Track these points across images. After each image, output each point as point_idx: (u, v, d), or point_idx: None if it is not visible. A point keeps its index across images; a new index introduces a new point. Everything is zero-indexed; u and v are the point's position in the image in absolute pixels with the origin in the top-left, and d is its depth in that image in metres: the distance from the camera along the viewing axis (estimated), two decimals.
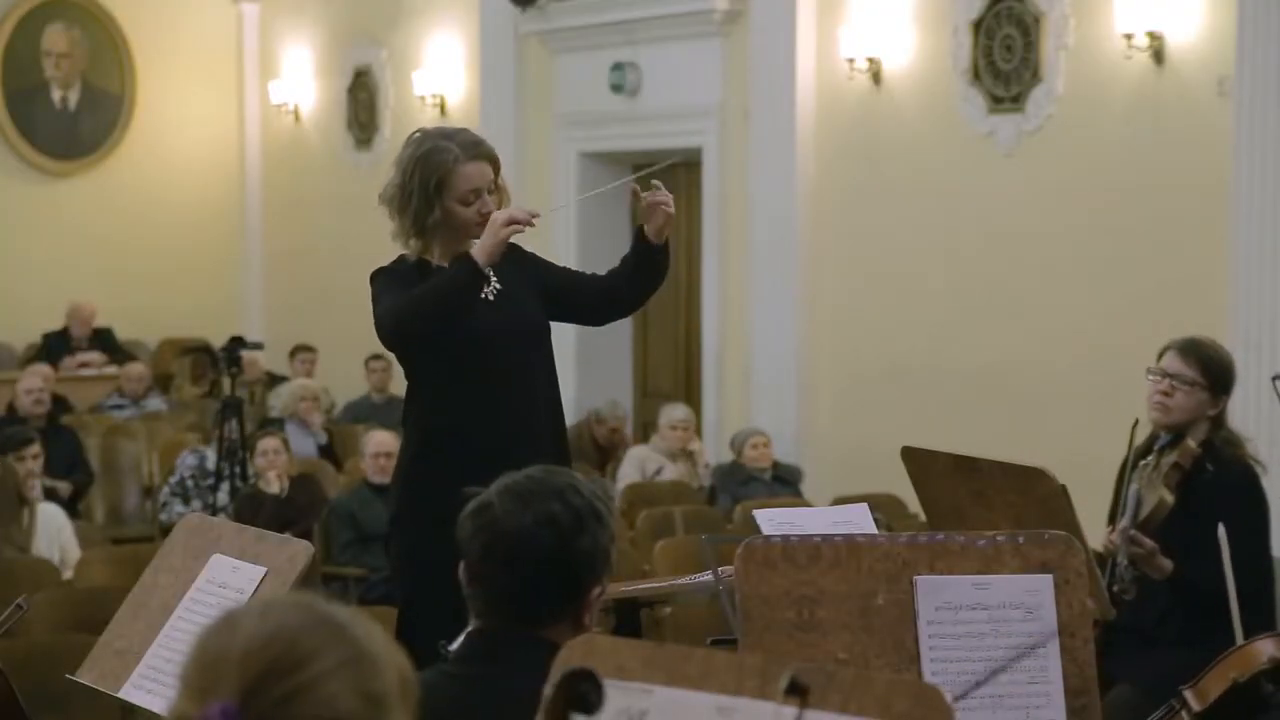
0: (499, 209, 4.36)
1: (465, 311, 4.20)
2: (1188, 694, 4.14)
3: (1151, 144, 8.64)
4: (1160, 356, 4.85)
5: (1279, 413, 7.79)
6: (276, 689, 1.64)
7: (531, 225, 4.23)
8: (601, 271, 4.63)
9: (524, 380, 4.35)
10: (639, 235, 4.41)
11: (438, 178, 4.26)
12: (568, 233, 11.50)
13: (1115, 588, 4.55)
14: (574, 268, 4.79)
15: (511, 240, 4.48)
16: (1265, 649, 4.14)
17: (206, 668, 1.67)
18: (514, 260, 4.46)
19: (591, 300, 4.57)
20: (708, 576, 3.96)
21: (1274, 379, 4.84)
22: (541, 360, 4.42)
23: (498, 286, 4.37)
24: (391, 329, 4.25)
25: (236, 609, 1.74)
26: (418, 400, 4.44)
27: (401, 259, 4.41)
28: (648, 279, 4.50)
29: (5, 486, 6.97)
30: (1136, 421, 4.78)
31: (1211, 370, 4.79)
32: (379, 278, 4.39)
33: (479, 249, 4.18)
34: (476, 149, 4.32)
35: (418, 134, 4.41)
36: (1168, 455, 4.71)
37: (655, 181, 4.35)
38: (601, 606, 2.74)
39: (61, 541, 7.26)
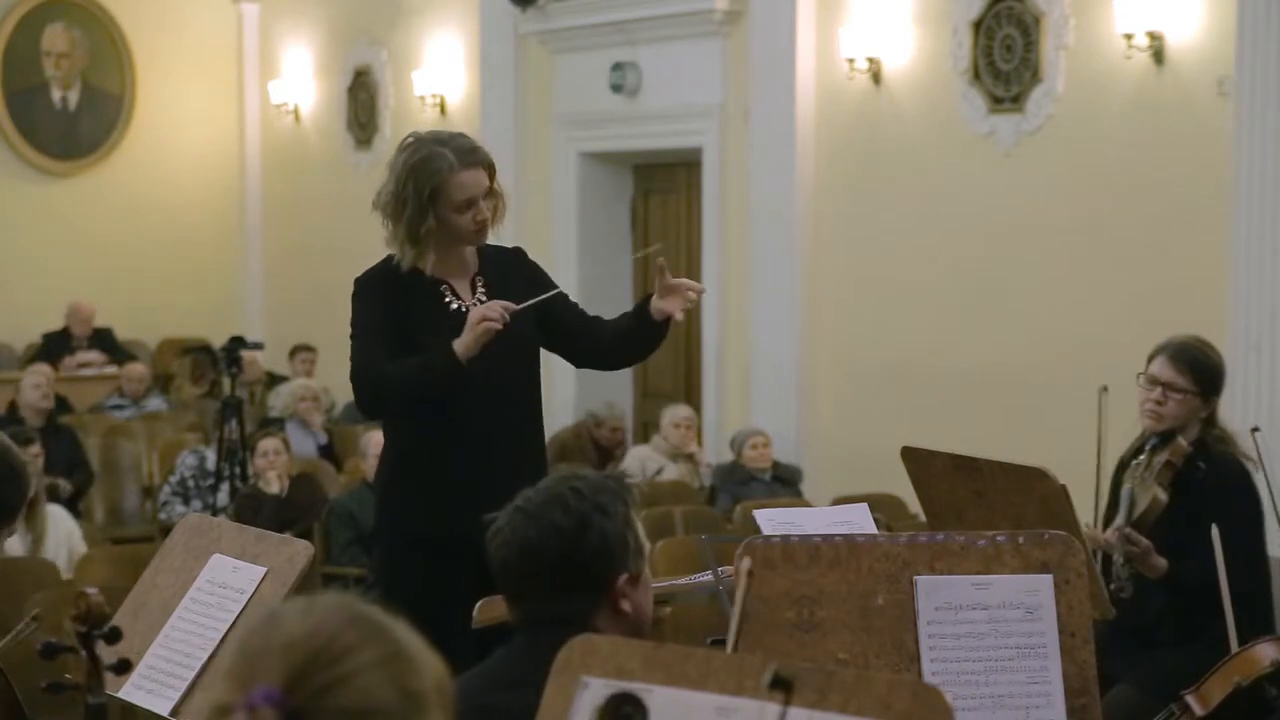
0: (495, 215, 4.31)
1: (436, 398, 4.21)
2: (1190, 699, 4.14)
3: (1151, 144, 8.64)
4: (1150, 361, 4.84)
5: (1279, 412, 7.80)
6: (318, 679, 1.69)
7: (507, 322, 4.18)
8: (601, 280, 4.65)
9: (501, 394, 4.30)
10: (643, 306, 4.36)
11: (431, 186, 4.19)
12: (568, 233, 11.50)
13: (1112, 585, 4.55)
14: (575, 290, 4.75)
15: (518, 248, 4.49)
16: (1267, 653, 4.14)
17: (250, 659, 1.72)
18: (515, 271, 4.42)
19: (575, 342, 4.51)
20: (708, 576, 3.96)
21: (1253, 430, 4.85)
22: (523, 374, 4.36)
23: (482, 297, 4.34)
24: (368, 401, 4.34)
25: (279, 608, 1.79)
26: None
27: (388, 260, 4.35)
28: (635, 349, 4.49)
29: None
30: (1104, 388, 4.84)
31: (1202, 376, 4.79)
32: (358, 297, 4.35)
33: (460, 344, 4.16)
34: (471, 156, 4.25)
35: (411, 139, 4.33)
36: (1159, 454, 4.71)
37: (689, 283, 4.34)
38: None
39: (71, 545, 7.24)
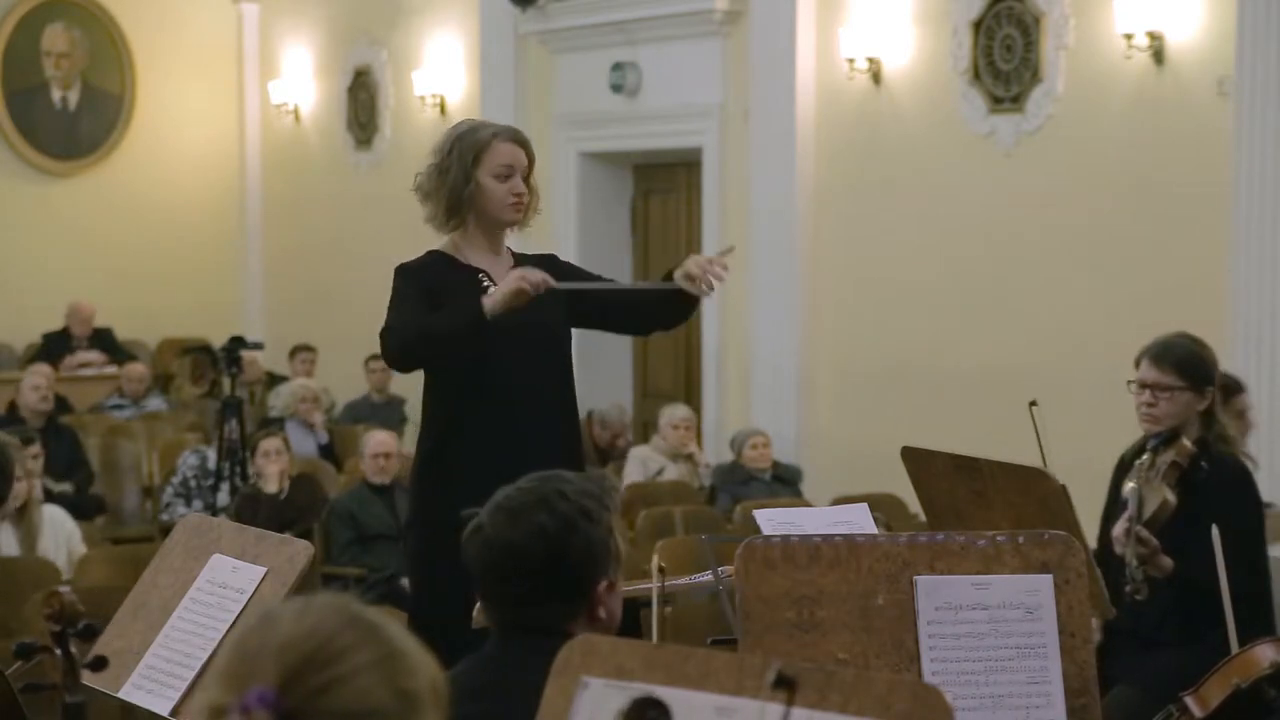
0: (531, 203, 4.49)
1: (464, 355, 4.29)
2: (1189, 700, 4.13)
3: (1151, 144, 8.64)
4: (1137, 365, 4.84)
5: (1278, 412, 7.80)
6: (313, 680, 1.69)
7: (540, 292, 4.28)
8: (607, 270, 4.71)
9: (535, 383, 4.40)
10: (668, 276, 4.44)
11: (475, 151, 4.40)
12: (567, 232, 11.50)
13: (1128, 588, 4.52)
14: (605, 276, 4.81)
15: (551, 254, 4.57)
16: (1266, 654, 4.13)
17: (245, 660, 1.72)
18: (549, 270, 4.48)
19: (612, 314, 4.67)
20: (708, 576, 3.96)
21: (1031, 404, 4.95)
22: (556, 364, 4.48)
23: None
24: (394, 357, 4.42)
25: (274, 608, 1.79)
26: (431, 396, 4.50)
27: (430, 252, 4.49)
28: (671, 319, 4.62)
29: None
30: (1033, 403, 4.84)
31: (1188, 370, 4.77)
32: (399, 277, 4.46)
33: (489, 299, 4.26)
34: (515, 134, 4.49)
35: (461, 122, 4.59)
36: (1163, 454, 4.69)
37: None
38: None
39: (71, 546, 7.23)
